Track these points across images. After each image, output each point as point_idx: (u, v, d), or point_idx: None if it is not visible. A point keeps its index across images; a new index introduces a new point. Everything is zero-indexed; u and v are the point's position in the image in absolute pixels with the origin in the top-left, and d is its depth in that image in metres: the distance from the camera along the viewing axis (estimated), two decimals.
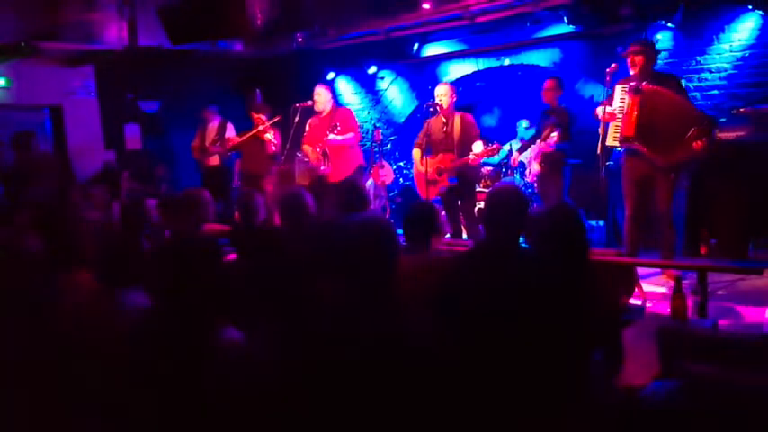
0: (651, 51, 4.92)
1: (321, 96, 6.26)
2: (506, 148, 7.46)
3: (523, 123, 7.69)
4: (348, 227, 1.92)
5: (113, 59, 7.45)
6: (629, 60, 4.86)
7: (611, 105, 4.94)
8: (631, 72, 4.85)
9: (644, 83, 4.76)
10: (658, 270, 5.07)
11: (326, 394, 1.66)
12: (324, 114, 6.28)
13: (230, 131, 7.39)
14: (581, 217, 2.52)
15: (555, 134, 5.90)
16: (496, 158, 7.30)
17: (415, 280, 2.45)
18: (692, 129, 4.54)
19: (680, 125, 4.61)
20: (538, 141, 6.25)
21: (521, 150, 6.73)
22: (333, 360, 1.68)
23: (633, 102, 4.76)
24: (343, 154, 6.20)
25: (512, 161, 6.93)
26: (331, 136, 6.06)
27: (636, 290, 4.27)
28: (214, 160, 7.38)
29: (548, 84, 6.13)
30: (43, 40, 6.83)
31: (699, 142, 4.53)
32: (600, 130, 4.93)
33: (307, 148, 6.36)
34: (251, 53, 8.56)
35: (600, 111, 4.98)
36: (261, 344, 1.90)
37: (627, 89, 4.81)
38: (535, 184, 6.62)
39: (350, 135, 6.15)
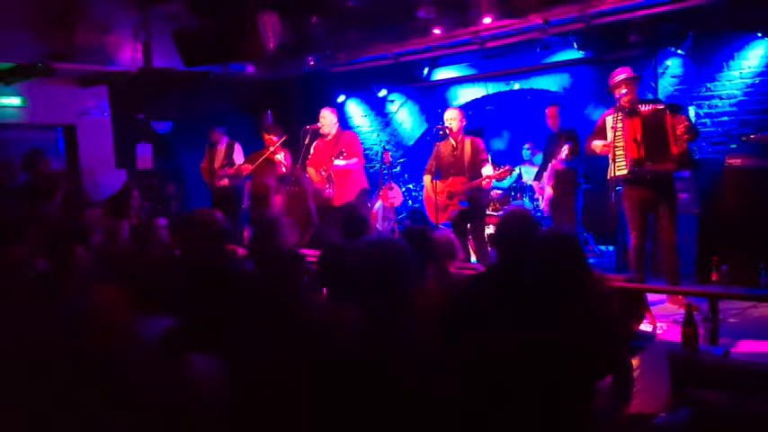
0: (639, 77, 5.11)
1: (326, 119, 6.32)
2: (516, 171, 7.48)
3: (526, 146, 7.78)
4: (362, 249, 1.91)
5: (127, 80, 7.54)
6: (623, 88, 4.91)
7: (604, 138, 5.00)
8: (625, 99, 4.90)
9: (639, 105, 4.85)
10: (664, 298, 5.04)
11: (336, 418, 1.65)
12: (329, 138, 6.33)
13: (238, 152, 7.45)
14: (576, 242, 2.50)
15: (566, 147, 5.97)
16: (507, 182, 7.33)
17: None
18: (668, 118, 4.72)
19: (663, 126, 4.76)
20: (551, 162, 6.34)
21: (537, 177, 6.83)
22: (343, 384, 1.67)
23: (633, 125, 4.80)
24: (347, 178, 6.25)
25: (536, 189, 7.02)
26: (337, 161, 6.12)
27: (646, 316, 4.23)
28: (223, 181, 7.43)
29: (550, 111, 6.37)
30: (59, 61, 6.93)
31: (680, 127, 4.69)
32: (610, 156, 4.95)
33: (311, 170, 6.41)
34: (263, 75, 8.64)
35: (598, 145, 5.03)
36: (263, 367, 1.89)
37: (620, 117, 4.86)
38: (545, 208, 6.63)
39: (354, 160, 6.21)
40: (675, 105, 4.90)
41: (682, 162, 4.84)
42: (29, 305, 2.42)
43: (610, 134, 4.95)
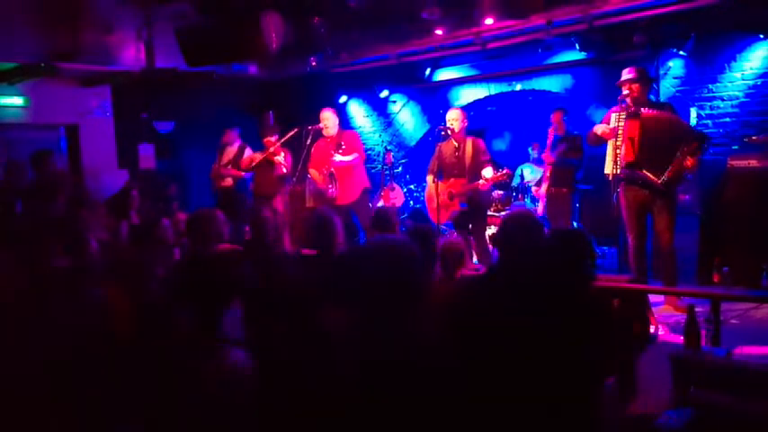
0: (646, 79, 5.02)
1: (329, 120, 6.34)
2: (518, 171, 7.50)
3: (532, 149, 7.79)
4: (371, 249, 1.90)
5: (130, 80, 7.55)
6: (625, 88, 4.90)
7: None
8: (629, 99, 4.89)
9: (643, 108, 4.83)
10: (662, 301, 5.04)
11: (345, 419, 1.65)
12: (330, 138, 6.36)
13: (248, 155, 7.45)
14: (590, 241, 2.52)
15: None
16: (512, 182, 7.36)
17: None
18: (684, 144, 4.69)
19: (675, 142, 4.73)
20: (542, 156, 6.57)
21: (538, 183, 6.92)
22: (350, 385, 1.68)
23: (633, 127, 4.79)
24: (348, 176, 6.25)
25: (535, 193, 7.14)
26: (337, 157, 6.13)
27: (648, 317, 4.23)
28: (227, 182, 7.44)
29: (554, 117, 6.57)
30: (62, 61, 6.94)
31: (690, 159, 4.66)
32: (609, 150, 4.95)
33: (313, 171, 6.42)
34: (265, 76, 8.66)
35: (599, 128, 5.01)
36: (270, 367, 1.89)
37: (622, 116, 4.86)
38: (541, 205, 6.70)
39: (354, 155, 6.22)
40: (702, 135, 4.89)
41: (667, 184, 4.80)
42: (45, 301, 2.42)
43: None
